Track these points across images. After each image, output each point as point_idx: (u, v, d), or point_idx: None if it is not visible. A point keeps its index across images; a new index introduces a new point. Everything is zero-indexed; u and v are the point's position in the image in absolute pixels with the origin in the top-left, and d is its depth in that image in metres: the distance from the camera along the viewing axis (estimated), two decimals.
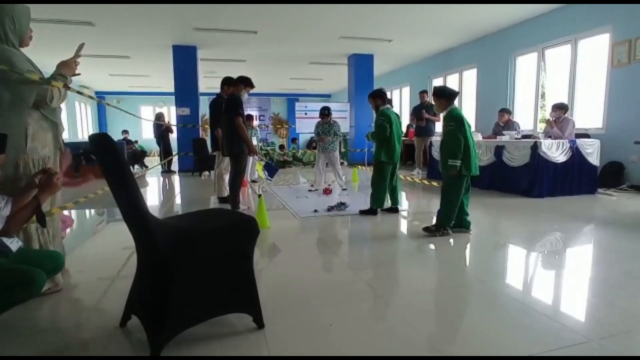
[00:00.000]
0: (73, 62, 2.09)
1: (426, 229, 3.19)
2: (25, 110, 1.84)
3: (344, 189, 5.52)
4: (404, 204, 4.94)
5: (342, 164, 9.99)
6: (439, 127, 9.56)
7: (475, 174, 3.09)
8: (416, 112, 7.49)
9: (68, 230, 3.04)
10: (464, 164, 3.00)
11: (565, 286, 2.21)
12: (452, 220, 3.13)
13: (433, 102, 3.43)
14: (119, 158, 1.32)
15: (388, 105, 3.93)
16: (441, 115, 3.28)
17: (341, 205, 4.21)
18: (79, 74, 2.16)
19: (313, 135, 5.90)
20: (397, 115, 3.99)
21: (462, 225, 3.25)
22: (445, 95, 3.13)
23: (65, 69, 2.04)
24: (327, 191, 5.28)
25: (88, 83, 13.05)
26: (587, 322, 1.73)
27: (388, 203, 4.07)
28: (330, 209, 4.14)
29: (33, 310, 1.85)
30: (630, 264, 2.47)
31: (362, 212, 3.95)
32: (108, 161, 1.37)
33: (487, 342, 1.53)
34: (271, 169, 4.52)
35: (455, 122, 3.01)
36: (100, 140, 1.35)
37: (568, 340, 1.51)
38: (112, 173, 1.38)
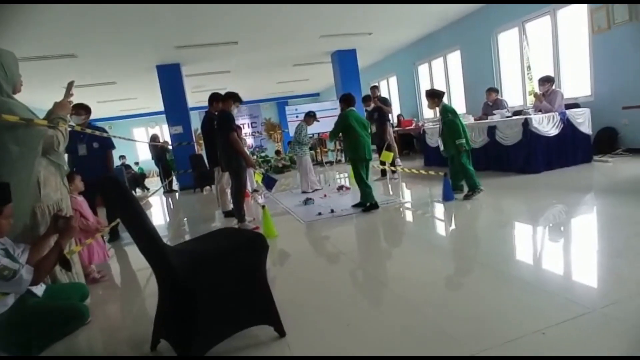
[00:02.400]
0: (67, 102, 2.13)
1: (465, 197, 3.96)
2: (36, 159, 1.89)
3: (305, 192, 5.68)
4: (405, 195, 5.02)
5: (339, 161, 10.12)
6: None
7: (472, 146, 4.17)
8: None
9: (93, 265, 3.05)
10: (465, 140, 3.91)
11: (567, 260, 2.29)
12: (476, 180, 3.94)
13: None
14: (131, 201, 1.38)
15: (352, 108, 4.14)
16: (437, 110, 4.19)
17: (308, 201, 4.82)
18: (74, 112, 2.20)
19: (301, 137, 5.78)
20: (358, 117, 4.17)
21: (457, 188, 4.15)
22: (437, 95, 4.13)
23: (62, 110, 2.08)
24: (344, 188, 5.59)
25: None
26: (589, 293, 1.81)
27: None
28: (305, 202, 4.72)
29: (69, 344, 1.89)
30: (628, 230, 2.54)
31: (365, 210, 4.04)
32: (120, 203, 1.43)
33: (497, 323, 1.61)
34: (270, 180, 4.59)
35: (452, 113, 3.98)
36: (109, 183, 1.42)
37: (572, 313, 1.59)
38: (125, 215, 1.45)
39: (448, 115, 3.94)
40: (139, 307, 2.43)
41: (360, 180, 4.06)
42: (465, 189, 4.03)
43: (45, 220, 1.90)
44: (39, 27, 5.06)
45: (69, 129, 2.17)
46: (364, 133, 4.05)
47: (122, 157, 11.78)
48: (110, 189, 1.43)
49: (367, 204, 4.04)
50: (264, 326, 1.73)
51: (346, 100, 4.22)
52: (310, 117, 5.79)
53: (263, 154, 11.38)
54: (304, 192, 5.64)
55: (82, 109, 3.84)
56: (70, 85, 2.17)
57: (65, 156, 4.06)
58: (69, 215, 1.84)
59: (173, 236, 4.39)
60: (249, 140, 14.24)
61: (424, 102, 9.66)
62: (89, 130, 3.61)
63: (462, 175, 4.02)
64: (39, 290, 1.70)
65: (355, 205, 4.21)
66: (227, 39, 6.93)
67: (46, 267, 1.61)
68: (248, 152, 6.69)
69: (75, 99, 2.24)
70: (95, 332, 2.09)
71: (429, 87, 9.32)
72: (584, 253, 2.32)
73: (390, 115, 6.81)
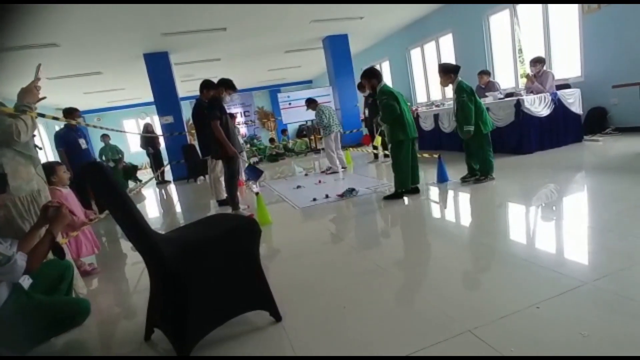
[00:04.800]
0: (34, 87, 1.96)
1: (476, 180, 3.77)
2: None
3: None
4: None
5: None
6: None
7: (492, 128, 3.75)
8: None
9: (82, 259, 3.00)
10: (481, 122, 3.61)
11: (559, 236, 2.32)
12: (492, 166, 3.73)
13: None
14: (115, 188, 1.35)
15: (385, 82, 3.69)
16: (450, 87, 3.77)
17: (352, 191, 4.12)
18: (43, 98, 2.00)
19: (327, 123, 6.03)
20: (397, 90, 3.74)
21: (472, 172, 3.89)
22: (451, 70, 3.64)
23: (28, 97, 1.93)
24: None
25: (63, 105, 12.76)
26: (581, 267, 1.84)
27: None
28: (342, 196, 4.12)
29: (62, 336, 1.88)
30: (618, 205, 2.58)
31: (387, 198, 3.71)
32: (104, 191, 1.40)
33: (492, 300, 1.63)
34: (254, 171, 4.29)
35: (466, 93, 3.57)
36: (93, 170, 1.38)
37: (565, 287, 1.61)
38: (111, 203, 1.42)
39: (463, 96, 3.54)
40: (133, 298, 2.41)
41: (402, 165, 3.58)
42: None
43: (20, 213, 1.83)
44: (17, 13, 4.87)
45: (37, 118, 2.02)
46: (406, 108, 3.57)
47: None
48: (94, 175, 1.39)
49: (398, 190, 3.64)
50: (260, 311, 1.72)
51: (376, 74, 3.67)
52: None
53: (256, 145, 11.24)
54: (344, 167, 5.99)
55: (77, 112, 4.73)
56: (37, 69, 2.02)
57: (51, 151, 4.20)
58: (59, 203, 1.79)
59: (167, 227, 4.36)
60: (243, 129, 14.08)
61: (417, 86, 9.69)
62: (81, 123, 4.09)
63: (476, 158, 3.76)
64: (25, 283, 1.67)
65: (387, 197, 3.77)
66: (215, 25, 6.76)
67: (39, 254, 1.57)
68: (242, 141, 6.67)
69: (59, 90, 2.13)
70: (88, 324, 2.06)
71: (421, 72, 9.30)
72: (576, 229, 2.34)
73: None
